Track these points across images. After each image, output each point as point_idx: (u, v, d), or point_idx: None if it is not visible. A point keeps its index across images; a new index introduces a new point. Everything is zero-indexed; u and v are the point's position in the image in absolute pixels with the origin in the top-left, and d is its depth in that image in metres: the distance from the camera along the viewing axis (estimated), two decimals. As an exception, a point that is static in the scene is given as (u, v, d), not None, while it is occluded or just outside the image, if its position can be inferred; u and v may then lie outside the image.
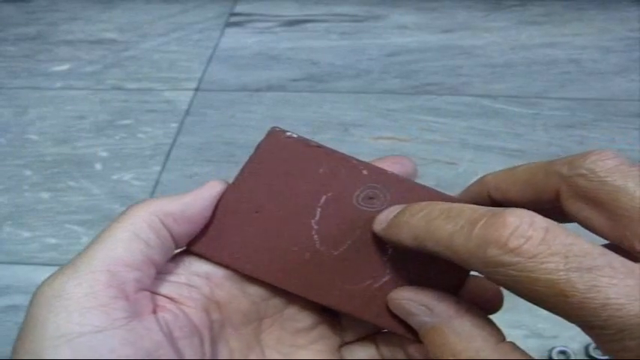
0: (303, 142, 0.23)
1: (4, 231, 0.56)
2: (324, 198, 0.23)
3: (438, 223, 0.17)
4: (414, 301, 0.20)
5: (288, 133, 0.23)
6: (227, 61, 0.76)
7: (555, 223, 0.16)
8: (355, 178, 0.23)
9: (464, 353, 0.18)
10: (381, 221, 0.21)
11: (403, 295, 0.21)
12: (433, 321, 0.19)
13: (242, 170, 0.23)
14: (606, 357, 0.42)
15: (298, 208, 0.23)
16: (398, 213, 0.20)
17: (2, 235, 0.55)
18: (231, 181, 0.23)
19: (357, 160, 0.23)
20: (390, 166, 0.24)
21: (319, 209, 0.23)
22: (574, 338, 0.44)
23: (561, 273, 0.14)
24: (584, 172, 0.17)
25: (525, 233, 0.15)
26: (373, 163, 0.23)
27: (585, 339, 0.44)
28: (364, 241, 0.22)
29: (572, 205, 0.18)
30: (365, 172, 0.23)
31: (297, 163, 0.23)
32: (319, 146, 0.23)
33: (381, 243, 0.22)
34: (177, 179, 0.60)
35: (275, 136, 0.23)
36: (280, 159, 0.23)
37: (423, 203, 0.20)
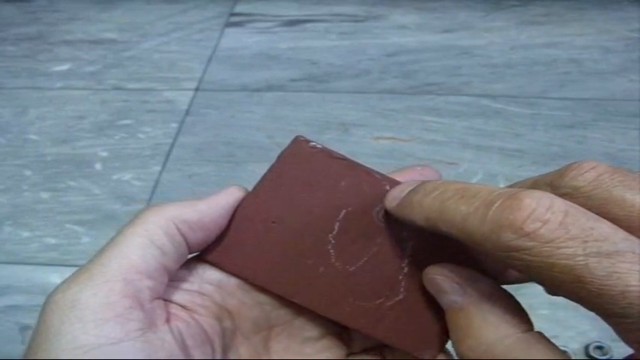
0: (327, 154, 0.23)
1: (4, 231, 0.56)
2: (343, 212, 0.22)
3: (452, 204, 0.17)
4: (449, 278, 0.19)
5: (312, 143, 0.23)
6: (227, 61, 0.76)
7: (576, 205, 0.15)
8: (377, 193, 0.22)
9: (486, 337, 0.17)
10: (394, 197, 0.20)
11: (439, 271, 0.19)
12: (463, 301, 0.18)
13: (262, 178, 0.23)
14: (606, 357, 0.42)
15: (317, 220, 0.22)
16: (411, 190, 0.19)
17: (2, 235, 0.55)
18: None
19: (381, 174, 0.23)
20: (414, 177, 0.23)
21: (338, 223, 0.22)
22: (574, 338, 0.44)
23: (579, 258, 0.14)
24: (568, 190, 0.17)
25: (542, 217, 0.14)
26: (398, 174, 0.23)
27: (585, 339, 0.44)
28: (380, 259, 0.22)
29: None
30: (387, 187, 0.22)
31: (319, 175, 0.22)
32: (343, 158, 0.23)
33: (397, 261, 0.22)
34: (177, 179, 0.60)
35: (299, 145, 0.23)
36: (302, 169, 0.22)
37: (438, 182, 0.19)
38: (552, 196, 0.15)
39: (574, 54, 0.73)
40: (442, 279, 0.19)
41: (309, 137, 0.23)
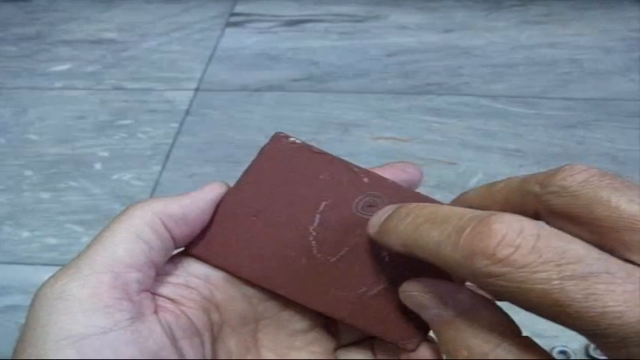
0: (307, 148, 0.23)
1: (4, 231, 0.56)
2: (323, 204, 0.23)
3: (424, 230, 0.17)
4: (428, 293, 0.19)
5: (292, 139, 0.23)
6: (227, 61, 0.76)
7: (547, 227, 0.15)
8: (356, 185, 0.23)
9: (479, 347, 0.17)
10: (374, 224, 0.20)
11: (417, 287, 0.19)
12: (447, 314, 0.18)
13: (244, 173, 0.23)
14: (606, 357, 0.42)
15: (297, 213, 0.23)
16: (387, 217, 0.20)
17: (2, 235, 0.55)
18: (231, 182, 0.23)
19: (359, 167, 0.23)
20: (395, 173, 0.23)
21: (318, 215, 0.23)
22: (574, 338, 0.44)
23: (555, 282, 0.14)
24: (556, 189, 0.17)
25: (514, 242, 0.14)
26: (379, 169, 0.23)
27: (585, 339, 0.43)
28: (361, 249, 0.22)
29: (554, 224, 0.17)
30: (366, 179, 0.23)
31: (299, 169, 0.23)
32: (322, 153, 0.23)
33: (378, 251, 0.22)
34: (177, 179, 0.60)
35: (279, 140, 0.23)
36: (282, 164, 0.23)
37: (411, 206, 0.19)
38: (522, 218, 0.15)
39: (574, 54, 0.73)
40: (421, 295, 0.19)
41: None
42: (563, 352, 0.43)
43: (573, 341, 0.44)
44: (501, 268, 0.14)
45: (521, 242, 0.14)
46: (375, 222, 0.20)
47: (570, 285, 0.14)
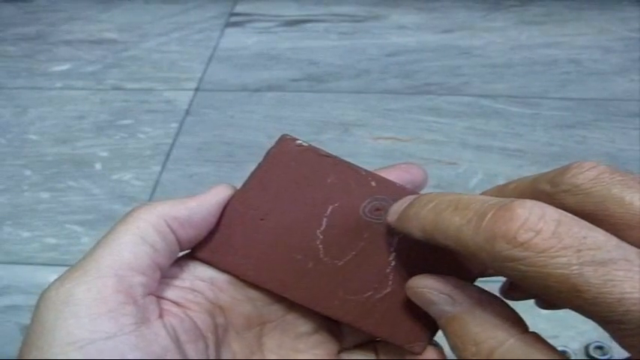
0: (313, 151, 0.23)
1: (4, 231, 0.56)
2: (330, 208, 0.23)
3: (446, 215, 0.17)
4: (436, 290, 0.19)
5: (299, 142, 0.23)
6: (227, 61, 0.76)
7: (568, 214, 0.15)
8: (363, 189, 0.23)
9: (486, 343, 0.17)
10: (394, 212, 0.20)
11: (424, 284, 0.19)
12: (455, 310, 0.18)
13: (250, 176, 0.23)
14: (606, 357, 0.42)
15: (304, 217, 0.22)
16: (408, 204, 0.20)
17: (2, 235, 0.55)
18: (232, 182, 0.23)
19: (366, 170, 0.23)
20: (399, 175, 0.23)
21: (325, 219, 0.22)
22: (574, 338, 0.44)
23: (574, 267, 0.14)
24: (567, 187, 0.17)
25: (535, 226, 0.14)
26: (383, 172, 0.23)
27: (585, 339, 0.44)
28: (368, 253, 0.22)
29: None
30: (373, 183, 0.23)
31: (306, 172, 0.23)
32: (329, 156, 0.23)
33: (385, 254, 0.22)
34: (177, 179, 0.60)
35: (285, 143, 0.23)
36: (289, 167, 0.23)
37: (433, 194, 0.19)
38: (544, 205, 0.15)
39: (574, 54, 0.73)
40: (429, 291, 0.19)
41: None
42: (563, 352, 0.43)
43: (573, 341, 0.44)
44: (522, 252, 0.14)
45: (542, 227, 0.14)
46: (396, 210, 0.20)
47: (589, 271, 0.14)
